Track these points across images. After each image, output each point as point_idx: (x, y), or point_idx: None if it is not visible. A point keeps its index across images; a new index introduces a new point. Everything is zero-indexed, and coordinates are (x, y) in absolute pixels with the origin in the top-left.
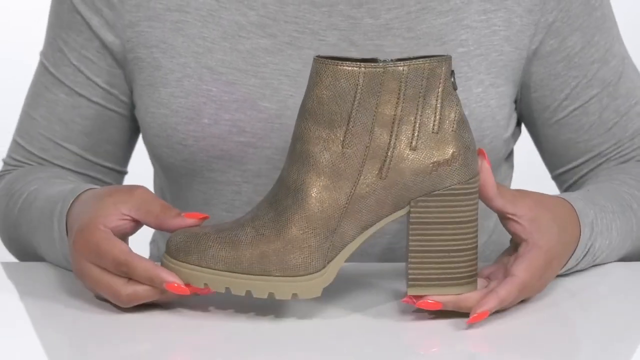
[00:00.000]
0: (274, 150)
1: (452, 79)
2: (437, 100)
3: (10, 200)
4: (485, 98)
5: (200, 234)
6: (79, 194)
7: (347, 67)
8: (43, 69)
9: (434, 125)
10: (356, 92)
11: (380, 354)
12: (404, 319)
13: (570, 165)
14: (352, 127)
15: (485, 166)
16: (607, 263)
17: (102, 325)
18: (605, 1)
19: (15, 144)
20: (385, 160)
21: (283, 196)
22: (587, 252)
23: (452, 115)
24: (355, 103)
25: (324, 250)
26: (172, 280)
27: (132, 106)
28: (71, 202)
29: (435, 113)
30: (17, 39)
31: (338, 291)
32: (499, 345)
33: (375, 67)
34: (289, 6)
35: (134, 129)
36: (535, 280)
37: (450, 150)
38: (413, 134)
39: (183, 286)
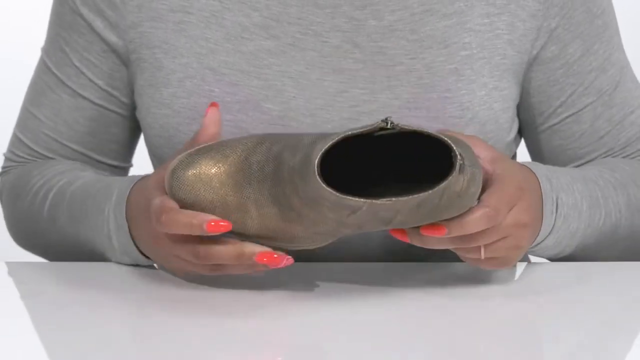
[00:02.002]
0: None
1: (389, 123)
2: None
3: (29, 195)
4: (488, 101)
5: None
6: (132, 186)
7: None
8: (45, 67)
9: None
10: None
11: (380, 354)
12: (405, 318)
13: None
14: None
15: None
16: (589, 248)
17: (104, 326)
18: (608, 9)
19: (18, 140)
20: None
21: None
22: (556, 205)
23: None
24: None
25: None
26: (211, 218)
27: (133, 107)
28: (127, 195)
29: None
30: (17, 39)
31: (338, 291)
32: (500, 344)
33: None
34: (292, 8)
35: (136, 128)
36: (505, 206)
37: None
38: None
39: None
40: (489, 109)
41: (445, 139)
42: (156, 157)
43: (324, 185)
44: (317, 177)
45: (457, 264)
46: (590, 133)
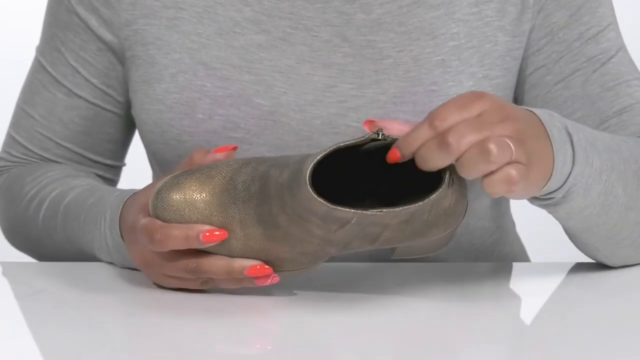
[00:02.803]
0: (268, 147)
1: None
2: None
3: (23, 202)
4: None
5: None
6: (125, 200)
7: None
8: (40, 67)
9: None
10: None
11: (379, 354)
12: (405, 319)
13: None
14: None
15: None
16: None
17: (99, 326)
18: (606, 1)
19: (12, 140)
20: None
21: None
22: (567, 133)
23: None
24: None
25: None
26: (207, 228)
27: (128, 106)
28: (119, 211)
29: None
30: (17, 39)
31: (338, 292)
32: (499, 344)
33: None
34: (283, 2)
35: (131, 126)
36: (454, 108)
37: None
38: None
39: (217, 232)
40: None
41: None
42: (152, 154)
43: (314, 195)
44: (309, 187)
45: (457, 264)
46: (581, 97)
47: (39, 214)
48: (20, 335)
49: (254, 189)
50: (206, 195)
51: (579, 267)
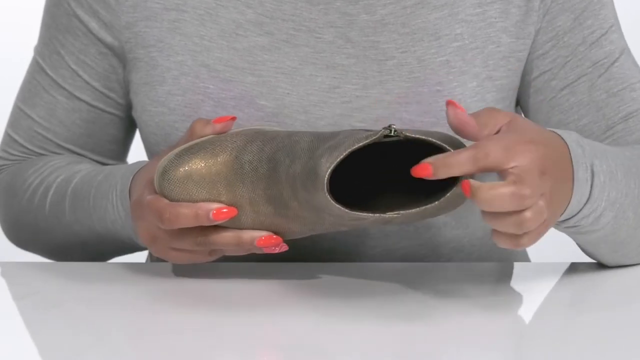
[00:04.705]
0: None
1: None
2: None
3: (27, 194)
4: (480, 92)
5: None
6: (134, 174)
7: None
8: (39, 68)
9: None
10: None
11: (379, 354)
12: (405, 319)
13: None
14: None
15: (458, 113)
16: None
17: (98, 326)
18: (608, 1)
19: (11, 139)
20: None
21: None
22: (591, 172)
23: None
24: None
25: None
26: (216, 206)
27: (129, 107)
28: (129, 183)
29: None
30: (17, 39)
31: (338, 292)
32: (501, 343)
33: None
34: (285, 4)
35: (132, 126)
36: (500, 150)
37: None
38: None
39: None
40: (481, 100)
41: (449, 148)
42: (152, 155)
43: (333, 202)
44: (327, 194)
45: (457, 264)
46: (587, 103)
47: (46, 200)
48: (19, 335)
49: (262, 171)
50: (212, 174)
51: (578, 267)
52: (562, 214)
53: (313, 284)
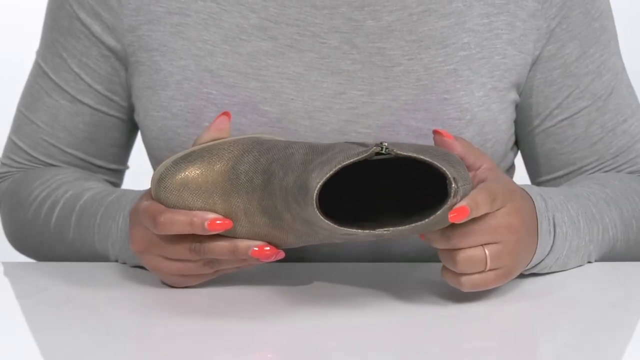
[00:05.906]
0: None
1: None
2: None
3: (33, 206)
4: (486, 102)
5: None
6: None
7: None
8: (41, 72)
9: None
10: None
11: (378, 354)
12: (405, 319)
13: (550, 176)
14: None
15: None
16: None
17: (100, 326)
18: (606, 13)
19: (15, 146)
20: None
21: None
22: (553, 225)
23: None
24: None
25: None
26: (212, 216)
27: (131, 110)
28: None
29: None
30: (17, 39)
31: (338, 292)
32: (501, 343)
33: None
34: (290, 9)
35: (134, 129)
36: (487, 200)
37: None
38: None
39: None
40: (487, 110)
41: (440, 166)
42: (155, 159)
43: (322, 217)
44: (316, 210)
45: None
46: (583, 138)
47: (52, 215)
48: (21, 335)
49: (257, 182)
50: (208, 183)
51: (578, 267)
52: (526, 266)
53: (312, 284)
